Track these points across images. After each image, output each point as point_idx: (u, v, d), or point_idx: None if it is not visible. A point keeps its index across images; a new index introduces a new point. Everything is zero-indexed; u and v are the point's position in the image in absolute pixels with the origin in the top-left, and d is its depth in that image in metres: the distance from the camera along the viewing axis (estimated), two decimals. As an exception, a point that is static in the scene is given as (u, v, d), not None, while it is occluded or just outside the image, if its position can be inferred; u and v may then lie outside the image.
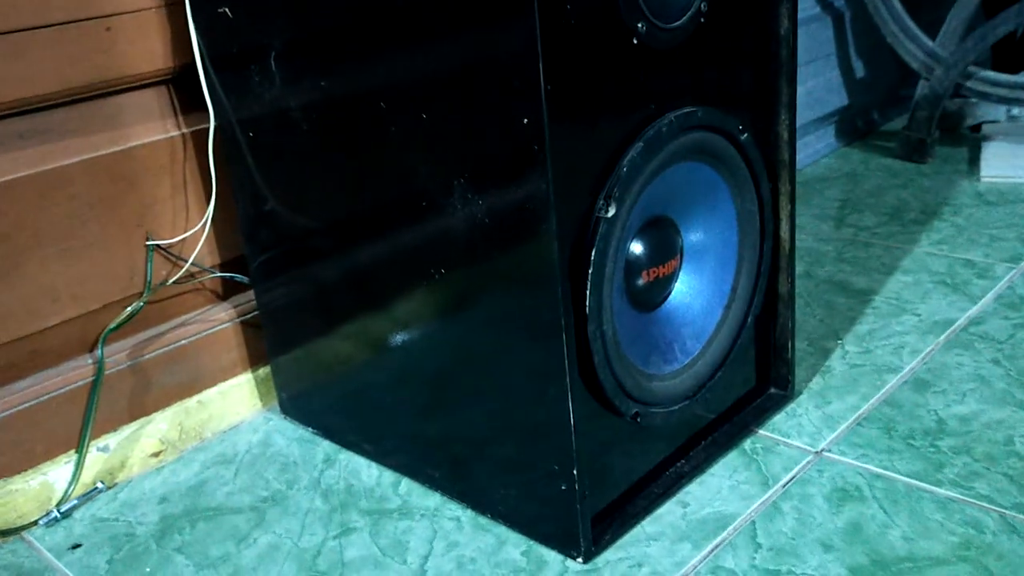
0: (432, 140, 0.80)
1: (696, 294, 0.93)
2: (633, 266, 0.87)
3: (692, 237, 0.92)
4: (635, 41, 0.78)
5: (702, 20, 0.84)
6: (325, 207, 0.94)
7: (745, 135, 0.91)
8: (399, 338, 0.93)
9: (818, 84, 1.87)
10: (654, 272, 0.89)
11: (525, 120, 0.72)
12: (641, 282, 0.88)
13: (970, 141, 1.86)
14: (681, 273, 0.92)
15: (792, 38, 0.92)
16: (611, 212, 0.78)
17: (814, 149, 1.89)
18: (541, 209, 0.74)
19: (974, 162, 1.75)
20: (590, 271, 0.78)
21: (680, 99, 0.85)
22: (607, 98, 0.79)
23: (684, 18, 0.82)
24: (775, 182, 0.97)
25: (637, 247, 0.87)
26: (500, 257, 0.80)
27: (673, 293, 0.92)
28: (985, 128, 1.86)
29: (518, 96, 0.72)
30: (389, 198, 0.87)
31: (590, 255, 0.78)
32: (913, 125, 1.80)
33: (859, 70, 1.99)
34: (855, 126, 2.00)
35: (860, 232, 1.50)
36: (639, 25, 0.78)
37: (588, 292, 0.78)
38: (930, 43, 1.77)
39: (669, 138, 0.83)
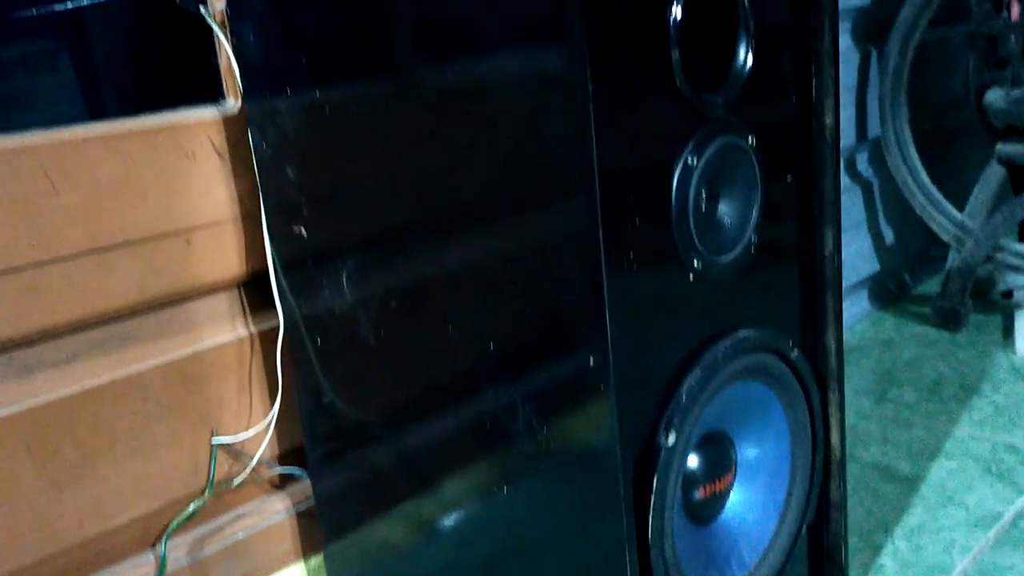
0: (498, 369, 0.84)
1: (751, 506, 0.94)
2: (690, 482, 0.89)
3: (746, 450, 0.94)
4: (691, 277, 0.83)
5: (753, 251, 0.88)
6: (387, 411, 0.98)
7: (795, 351, 0.94)
8: (455, 542, 0.95)
9: (850, 253, 1.92)
10: (710, 487, 0.90)
11: (591, 360, 0.76)
12: (698, 497, 0.90)
13: (1003, 308, 1.88)
14: (736, 486, 0.94)
15: (836, 258, 0.97)
16: (672, 440, 0.81)
17: (848, 315, 1.92)
18: (606, 441, 0.78)
19: (1008, 332, 1.78)
20: (652, 498, 0.80)
21: (734, 322, 0.89)
22: (666, 329, 0.82)
23: (736, 250, 0.87)
24: (824, 392, 1.00)
25: (694, 462, 0.89)
26: (563, 481, 0.83)
27: (728, 506, 0.93)
28: (1017, 295, 1.89)
29: (585, 339, 0.76)
30: (453, 416, 0.90)
31: (652, 482, 0.80)
32: (946, 295, 1.84)
33: (889, 236, 2.05)
34: (887, 289, 2.04)
35: (901, 409, 1.52)
36: (695, 262, 0.83)
37: (651, 518, 0.80)
38: (959, 215, 1.82)
39: (725, 363, 0.86)
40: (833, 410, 1.00)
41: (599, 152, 0.73)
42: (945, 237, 1.83)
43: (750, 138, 0.85)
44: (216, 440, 1.08)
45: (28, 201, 0.91)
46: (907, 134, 1.86)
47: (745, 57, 0.82)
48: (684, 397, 0.82)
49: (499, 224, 0.81)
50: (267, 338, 1.10)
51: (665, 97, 0.78)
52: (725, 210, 0.85)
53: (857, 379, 1.65)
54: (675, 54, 0.77)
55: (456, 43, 0.80)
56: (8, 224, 0.90)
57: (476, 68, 0.80)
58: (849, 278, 1.92)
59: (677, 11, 0.77)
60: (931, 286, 2.01)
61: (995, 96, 1.81)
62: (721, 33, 0.82)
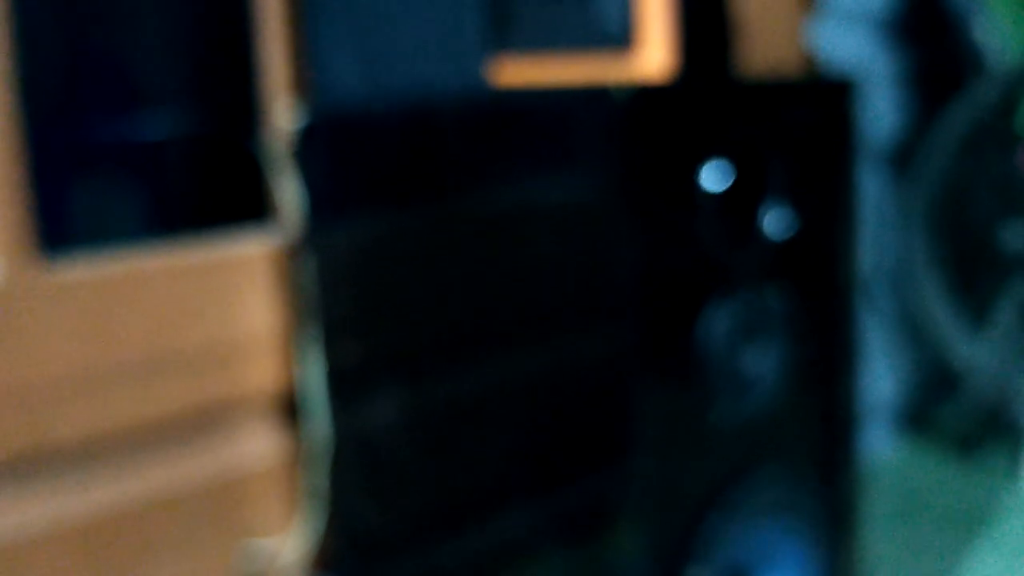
0: (523, 494, 0.89)
1: (767, 642, 0.98)
2: (710, 617, 0.93)
3: (764, 585, 0.98)
4: (714, 416, 0.88)
5: (774, 392, 0.94)
6: (419, 524, 1.03)
7: (811, 488, 0.99)
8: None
9: (864, 378, 1.96)
10: (729, 621, 0.94)
11: (615, 493, 0.81)
12: (716, 633, 0.93)
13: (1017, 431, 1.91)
14: (753, 621, 0.97)
15: (854, 399, 1.02)
16: (694, 577, 0.85)
17: (861, 440, 1.95)
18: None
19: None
20: (673, 634, 0.84)
21: (755, 459, 0.94)
22: (690, 465, 0.88)
23: (758, 391, 0.92)
24: (840, 526, 1.04)
25: (713, 598, 0.93)
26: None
27: (746, 641, 0.97)
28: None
29: (609, 472, 0.81)
30: (482, 533, 0.95)
31: (673, 618, 0.84)
32: (960, 421, 1.88)
33: (904, 362, 2.08)
34: (901, 415, 2.07)
35: (913, 538, 1.54)
36: (718, 402, 0.88)
37: (671, 654, 0.84)
38: (973, 345, 1.87)
39: (746, 499, 0.91)
40: (848, 542, 1.04)
41: (636, 302, 0.80)
42: (959, 367, 1.88)
43: (772, 291, 0.92)
44: (249, 547, 1.13)
45: (106, 314, 1.00)
46: (923, 262, 1.93)
47: (773, 223, 0.89)
48: (707, 534, 0.87)
49: (533, 358, 0.87)
50: (306, 450, 1.16)
51: (693, 253, 0.85)
52: (748, 355, 0.91)
53: (869, 505, 1.67)
54: (704, 219, 0.84)
55: (508, 185, 0.89)
56: (87, 330, 0.99)
57: (526, 210, 0.88)
58: (862, 403, 1.95)
59: (706, 179, 0.84)
60: (946, 411, 2.04)
61: (1009, 231, 1.88)
62: (751, 195, 0.90)
